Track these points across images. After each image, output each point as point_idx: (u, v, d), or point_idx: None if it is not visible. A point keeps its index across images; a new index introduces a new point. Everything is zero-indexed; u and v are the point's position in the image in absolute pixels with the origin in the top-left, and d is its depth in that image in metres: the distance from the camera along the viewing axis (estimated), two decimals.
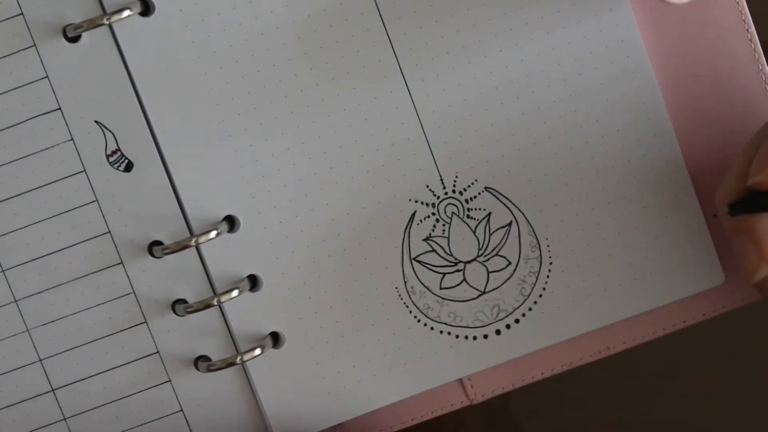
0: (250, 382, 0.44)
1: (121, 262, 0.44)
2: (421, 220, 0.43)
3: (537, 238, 0.43)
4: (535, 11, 0.42)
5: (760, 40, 0.42)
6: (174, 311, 0.44)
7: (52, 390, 0.44)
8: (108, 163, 0.43)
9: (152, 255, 0.44)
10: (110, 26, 0.42)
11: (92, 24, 0.42)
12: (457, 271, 0.43)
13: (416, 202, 0.43)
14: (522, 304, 0.43)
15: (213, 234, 0.43)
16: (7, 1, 0.43)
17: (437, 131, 0.43)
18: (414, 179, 0.43)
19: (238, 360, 0.43)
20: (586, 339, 0.44)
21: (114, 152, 0.43)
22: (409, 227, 0.43)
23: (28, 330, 0.44)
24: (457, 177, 0.43)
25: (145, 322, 0.44)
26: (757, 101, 0.43)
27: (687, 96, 0.43)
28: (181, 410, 0.45)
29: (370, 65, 0.43)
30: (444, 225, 0.43)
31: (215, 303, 0.43)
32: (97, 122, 0.43)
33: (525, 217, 0.43)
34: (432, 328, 0.44)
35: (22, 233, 0.44)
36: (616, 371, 0.51)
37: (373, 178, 0.43)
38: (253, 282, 0.44)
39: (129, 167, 0.43)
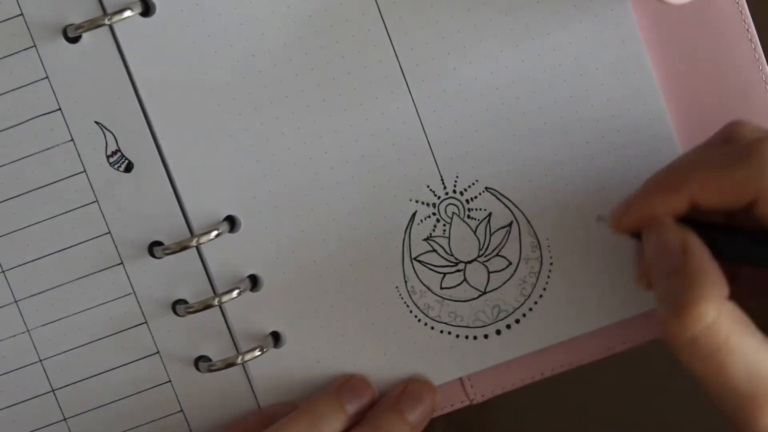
0: (250, 382, 0.44)
1: (122, 263, 0.44)
2: (421, 220, 0.43)
3: (537, 239, 0.43)
4: (536, 12, 0.42)
5: (760, 40, 0.42)
6: (174, 311, 0.44)
7: (52, 390, 0.44)
8: (108, 164, 0.43)
9: (152, 255, 0.44)
10: (111, 27, 0.42)
11: (93, 24, 0.42)
12: (458, 271, 0.43)
13: (417, 202, 0.43)
14: (522, 304, 0.43)
15: (213, 234, 0.43)
16: (7, 1, 0.43)
17: (438, 131, 0.43)
18: (415, 179, 0.43)
19: (238, 360, 0.43)
20: (586, 339, 0.44)
21: (114, 152, 0.43)
22: (409, 227, 0.43)
23: (28, 330, 0.44)
24: (457, 177, 0.43)
25: (146, 322, 0.44)
26: (757, 101, 0.43)
27: (687, 96, 0.43)
28: (181, 410, 0.45)
29: (371, 65, 0.43)
30: (444, 225, 0.43)
31: (216, 303, 0.43)
32: (97, 123, 0.43)
33: (525, 218, 0.43)
34: (432, 328, 0.44)
35: (22, 233, 0.44)
36: (616, 371, 0.51)
37: (374, 178, 0.43)
38: (254, 282, 0.44)
39: (129, 167, 0.43)
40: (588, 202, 0.43)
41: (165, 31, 0.43)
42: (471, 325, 0.44)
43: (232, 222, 0.44)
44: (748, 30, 0.43)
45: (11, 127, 0.43)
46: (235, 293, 0.43)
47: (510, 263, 0.43)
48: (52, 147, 0.43)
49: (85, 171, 0.43)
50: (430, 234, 0.43)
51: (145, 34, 0.43)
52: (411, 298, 0.44)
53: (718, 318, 0.34)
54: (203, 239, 0.43)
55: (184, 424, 0.45)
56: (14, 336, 0.44)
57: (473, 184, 0.43)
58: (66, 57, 0.43)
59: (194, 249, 0.43)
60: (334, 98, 0.43)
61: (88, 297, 0.44)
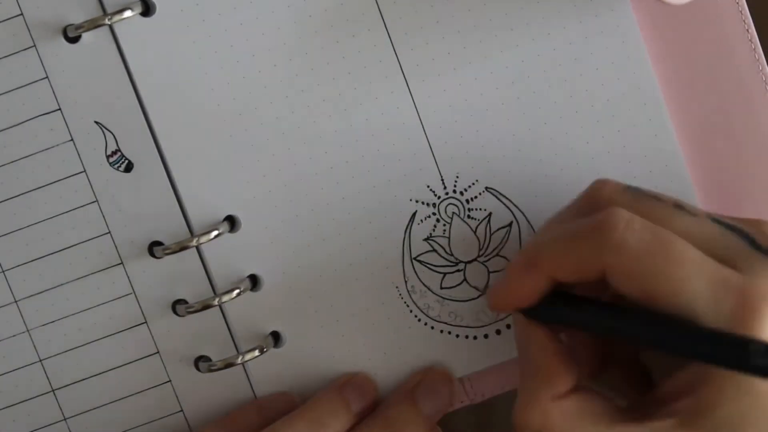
0: (250, 382, 0.44)
1: (122, 263, 0.44)
2: (421, 220, 0.43)
3: None
4: (536, 12, 0.42)
5: (760, 40, 0.43)
6: (174, 311, 0.44)
7: (52, 390, 0.44)
8: (108, 164, 0.43)
9: (152, 255, 0.44)
10: (111, 27, 0.42)
11: (93, 24, 0.42)
12: (458, 271, 0.43)
13: (417, 201, 0.43)
14: None
15: (213, 234, 0.43)
16: (7, 1, 0.43)
17: (438, 131, 0.43)
18: (415, 179, 0.43)
19: (238, 360, 0.43)
20: None
21: (114, 152, 0.43)
22: (409, 227, 0.43)
23: (28, 330, 0.44)
24: (457, 177, 0.43)
25: (146, 322, 0.44)
26: (757, 101, 0.43)
27: (687, 96, 0.43)
28: (182, 410, 0.45)
29: (371, 65, 0.43)
30: (445, 225, 0.43)
31: (216, 303, 0.43)
32: (97, 122, 0.43)
33: (525, 218, 0.43)
34: (432, 328, 0.44)
35: (22, 233, 0.44)
36: None
37: (374, 178, 0.43)
38: (254, 282, 0.44)
39: (129, 167, 0.43)
40: None
41: (165, 31, 0.43)
42: (471, 325, 0.44)
43: (232, 222, 0.44)
44: (748, 30, 0.43)
45: (11, 127, 0.43)
46: (235, 293, 0.43)
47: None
48: (52, 147, 0.43)
49: (85, 171, 0.43)
50: (430, 234, 0.43)
51: (145, 34, 0.43)
52: (411, 297, 0.44)
53: (545, 421, 0.36)
54: (203, 239, 0.43)
55: (184, 424, 0.45)
56: (14, 336, 0.44)
57: (473, 184, 0.43)
58: (66, 57, 0.43)
59: (194, 249, 0.43)
60: (334, 98, 0.43)
61: (88, 297, 0.44)
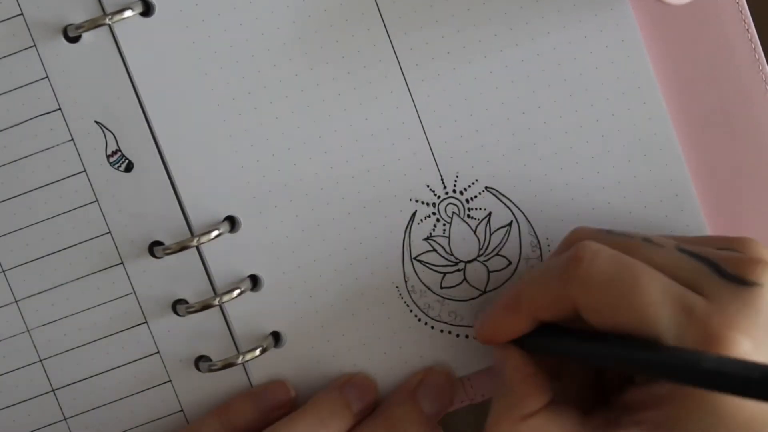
0: (250, 382, 0.44)
1: (122, 263, 0.44)
2: (421, 220, 0.43)
3: (538, 238, 0.43)
4: (535, 11, 0.42)
5: (760, 40, 0.43)
6: (175, 311, 0.44)
7: (52, 390, 0.44)
8: (108, 164, 0.43)
9: (153, 255, 0.44)
10: (111, 27, 0.42)
11: (93, 24, 0.42)
12: (458, 270, 0.43)
13: (417, 201, 0.43)
14: None
15: (214, 234, 0.43)
16: (7, 1, 0.43)
17: (438, 131, 0.43)
18: (414, 179, 0.43)
19: (239, 360, 0.43)
20: None
21: (114, 152, 0.43)
22: (409, 227, 0.43)
23: (28, 330, 0.44)
24: (457, 177, 0.43)
25: (146, 322, 0.44)
26: (757, 101, 0.43)
27: (687, 96, 0.43)
28: (182, 410, 0.45)
29: (370, 65, 0.43)
30: (445, 225, 0.43)
31: (216, 303, 0.43)
32: (97, 122, 0.43)
33: (525, 217, 0.43)
34: (432, 327, 0.44)
35: (22, 233, 0.44)
36: None
37: (373, 178, 0.43)
38: (254, 282, 0.44)
39: (129, 167, 0.43)
40: (588, 201, 0.43)
41: (165, 31, 0.43)
42: (471, 325, 0.44)
43: (232, 222, 0.44)
44: (748, 30, 0.43)
45: (11, 127, 0.43)
46: (235, 293, 0.43)
47: (510, 263, 0.43)
48: (52, 147, 0.43)
49: (85, 171, 0.43)
50: (430, 233, 0.43)
51: (145, 34, 0.43)
52: (411, 297, 0.44)
53: None
54: (203, 239, 0.43)
55: (184, 424, 0.45)
56: (14, 336, 0.44)
57: (473, 183, 0.43)
58: (66, 57, 0.43)
59: (194, 249, 0.43)
60: (334, 98, 0.43)
61: (88, 297, 0.44)
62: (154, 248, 0.43)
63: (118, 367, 0.44)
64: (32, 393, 0.44)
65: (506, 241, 0.43)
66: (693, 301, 0.35)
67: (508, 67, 0.42)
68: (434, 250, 0.43)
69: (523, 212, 0.43)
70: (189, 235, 0.43)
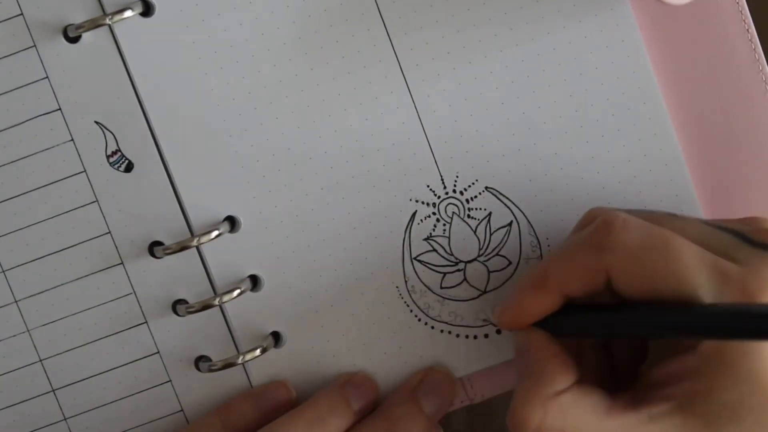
0: (250, 382, 0.44)
1: (122, 263, 0.44)
2: (421, 220, 0.43)
3: (538, 238, 0.43)
4: (535, 11, 0.42)
5: (760, 40, 0.43)
6: (174, 311, 0.44)
7: (52, 390, 0.44)
8: (108, 164, 0.43)
9: (153, 255, 0.44)
10: (111, 27, 0.42)
11: (93, 24, 0.42)
12: (458, 270, 0.43)
13: (417, 201, 0.43)
14: None
15: (214, 234, 0.43)
16: (7, 1, 0.43)
17: (438, 131, 0.43)
18: (415, 179, 0.43)
19: (238, 360, 0.43)
20: None
21: (114, 152, 0.43)
22: (409, 227, 0.43)
23: (28, 330, 0.44)
24: (457, 177, 0.43)
25: (146, 322, 0.44)
26: (757, 101, 0.43)
27: (687, 96, 0.43)
28: (182, 410, 0.45)
29: (370, 65, 0.43)
30: (445, 224, 0.43)
31: (216, 303, 0.43)
32: (97, 122, 0.43)
33: (525, 217, 0.43)
34: (433, 327, 0.44)
35: (22, 233, 0.44)
36: None
37: (373, 178, 0.43)
38: (254, 282, 0.44)
39: (129, 167, 0.43)
40: (588, 201, 0.43)
41: (165, 31, 0.43)
42: (471, 325, 0.44)
43: (232, 222, 0.44)
44: (748, 30, 0.43)
45: (11, 127, 0.43)
46: (235, 293, 0.43)
47: (510, 263, 0.43)
48: (52, 147, 0.43)
49: (85, 171, 0.43)
50: (430, 233, 0.43)
51: (145, 34, 0.43)
52: (411, 297, 0.44)
53: (545, 417, 0.36)
54: (203, 239, 0.43)
55: (184, 424, 0.45)
56: (14, 336, 0.44)
57: (473, 183, 0.43)
58: (66, 57, 0.43)
59: (194, 249, 0.43)
60: (334, 98, 0.43)
61: (88, 297, 0.44)
62: (154, 248, 0.43)
63: (118, 367, 0.44)
64: (32, 393, 0.45)
65: (506, 241, 0.43)
66: (727, 266, 0.35)
67: (508, 67, 0.42)
68: (434, 250, 0.43)
69: (523, 212, 0.43)
70: (189, 235, 0.43)
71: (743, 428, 0.35)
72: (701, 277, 0.35)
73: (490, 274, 0.43)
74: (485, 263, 0.43)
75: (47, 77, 0.43)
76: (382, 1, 0.42)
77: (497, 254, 0.43)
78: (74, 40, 0.43)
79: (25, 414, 0.45)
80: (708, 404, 0.35)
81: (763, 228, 0.37)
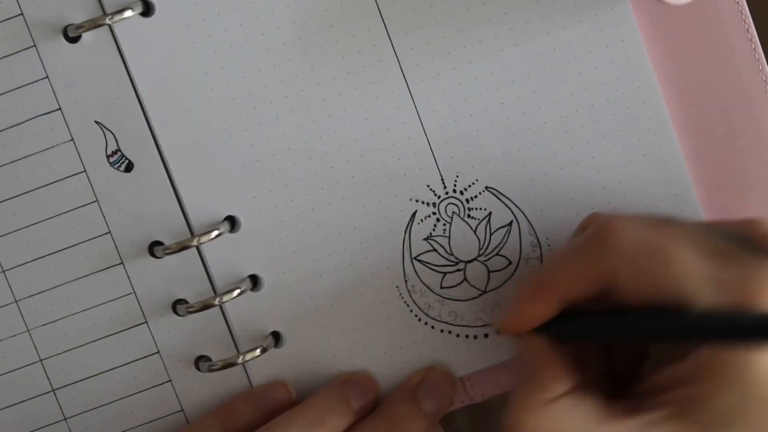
0: (250, 382, 0.44)
1: (122, 262, 0.44)
2: (421, 220, 0.43)
3: (538, 238, 0.43)
4: (535, 11, 0.42)
5: (760, 40, 0.43)
6: (175, 311, 0.44)
7: (52, 390, 0.44)
8: (108, 164, 0.43)
9: (153, 255, 0.44)
10: (111, 27, 0.42)
11: (93, 24, 0.42)
12: (458, 270, 0.43)
13: (417, 201, 0.43)
14: None
15: (214, 234, 0.43)
16: (7, 1, 0.43)
17: (438, 131, 0.43)
18: (415, 179, 0.43)
19: (239, 360, 0.43)
20: None
21: (114, 152, 0.43)
22: (409, 226, 0.43)
23: (28, 330, 0.44)
24: (457, 176, 0.43)
25: (146, 322, 0.44)
26: (757, 101, 0.43)
27: (687, 96, 0.43)
28: (182, 410, 0.45)
29: (370, 65, 0.43)
30: (445, 224, 0.43)
31: (216, 303, 0.43)
32: (97, 122, 0.43)
33: (525, 217, 0.43)
34: (433, 327, 0.44)
35: (22, 233, 0.44)
36: None
37: (374, 178, 0.43)
38: (254, 282, 0.44)
39: (129, 167, 0.43)
40: (588, 201, 0.43)
41: (165, 31, 0.43)
42: (471, 325, 0.44)
43: (232, 222, 0.44)
44: (748, 30, 0.43)
45: (11, 127, 0.43)
46: (235, 293, 0.43)
47: (510, 262, 0.43)
48: (52, 147, 0.43)
49: (85, 171, 0.43)
50: (431, 233, 0.43)
51: (145, 34, 0.43)
52: (411, 297, 0.44)
53: (537, 423, 0.36)
54: (203, 239, 0.43)
55: (184, 424, 0.45)
56: (14, 336, 0.44)
57: (473, 183, 0.43)
58: (66, 57, 0.43)
59: (194, 249, 0.43)
60: (334, 98, 0.43)
61: (88, 297, 0.44)
62: (154, 248, 0.44)
63: (118, 367, 0.44)
64: (32, 393, 0.45)
65: (506, 241, 0.43)
66: (724, 271, 0.35)
67: (508, 67, 0.42)
68: (434, 249, 0.43)
69: (523, 212, 0.43)
70: (189, 235, 0.43)
71: None
72: (698, 283, 0.35)
73: (490, 274, 0.43)
74: (485, 263, 0.43)
75: (47, 77, 0.43)
76: (382, 1, 0.42)
77: (497, 254, 0.43)
78: (74, 40, 0.43)
79: (25, 414, 0.45)
80: (704, 411, 0.35)
81: (762, 232, 0.37)
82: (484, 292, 0.44)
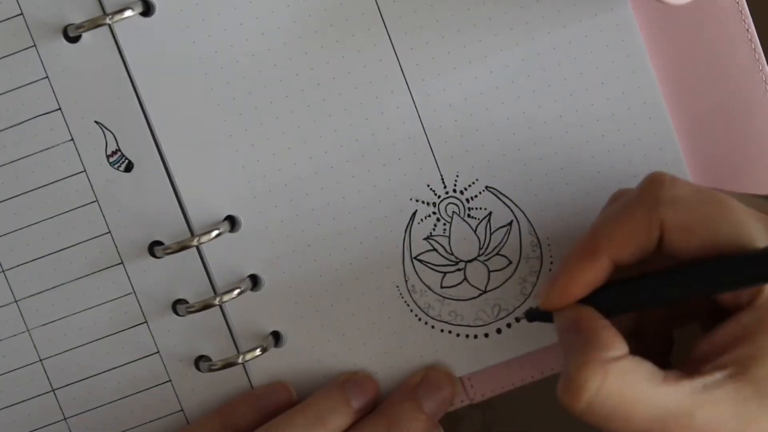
0: (250, 382, 0.44)
1: (122, 262, 0.44)
2: (422, 219, 0.43)
3: (538, 238, 0.43)
4: (535, 11, 0.42)
5: (760, 40, 0.43)
6: (175, 311, 0.44)
7: (52, 390, 0.44)
8: (108, 164, 0.43)
9: (153, 255, 0.44)
10: (111, 27, 0.42)
11: (93, 24, 0.42)
12: (458, 270, 0.43)
13: (417, 201, 0.43)
14: (523, 303, 0.44)
15: (214, 234, 0.43)
16: (7, 1, 0.43)
17: (438, 130, 0.43)
18: (415, 178, 0.43)
19: (239, 360, 0.43)
20: None
21: (114, 152, 0.43)
22: (410, 226, 0.43)
23: (28, 330, 0.44)
24: (457, 176, 0.43)
25: (146, 322, 0.44)
26: (757, 101, 0.43)
27: (687, 95, 0.43)
28: (182, 410, 0.45)
29: (371, 65, 0.43)
30: (445, 224, 0.43)
31: (216, 303, 0.43)
32: (97, 122, 0.43)
33: (526, 217, 0.43)
34: (433, 327, 0.44)
35: (22, 233, 0.44)
36: None
37: (374, 178, 0.43)
38: (254, 281, 0.44)
39: (129, 167, 0.43)
40: (588, 201, 0.43)
41: (165, 31, 0.43)
42: (471, 324, 0.44)
43: (232, 222, 0.44)
44: (748, 30, 0.43)
45: (11, 127, 0.43)
46: (235, 293, 0.43)
47: (510, 262, 0.43)
48: (52, 147, 0.43)
49: (85, 171, 0.43)
50: (431, 233, 0.43)
51: (145, 34, 0.43)
52: (411, 297, 0.44)
53: (605, 379, 0.35)
54: (203, 239, 0.43)
55: (184, 424, 0.45)
56: (14, 336, 0.44)
57: (473, 183, 0.43)
58: (66, 57, 0.43)
59: (194, 249, 0.43)
60: (334, 98, 0.43)
61: (88, 297, 0.44)
62: (154, 248, 0.44)
63: (118, 367, 0.44)
64: (32, 393, 0.45)
65: (506, 241, 0.43)
66: None
67: (508, 67, 0.43)
68: (434, 249, 0.43)
69: (523, 212, 0.43)
70: (189, 235, 0.43)
71: None
72: (757, 226, 0.35)
73: (491, 273, 0.44)
74: (485, 263, 0.43)
75: (47, 77, 0.43)
76: (382, 1, 0.42)
77: (497, 254, 0.43)
78: (74, 40, 0.43)
79: (25, 414, 0.45)
80: (761, 367, 0.34)
81: None
82: (484, 291, 0.44)
